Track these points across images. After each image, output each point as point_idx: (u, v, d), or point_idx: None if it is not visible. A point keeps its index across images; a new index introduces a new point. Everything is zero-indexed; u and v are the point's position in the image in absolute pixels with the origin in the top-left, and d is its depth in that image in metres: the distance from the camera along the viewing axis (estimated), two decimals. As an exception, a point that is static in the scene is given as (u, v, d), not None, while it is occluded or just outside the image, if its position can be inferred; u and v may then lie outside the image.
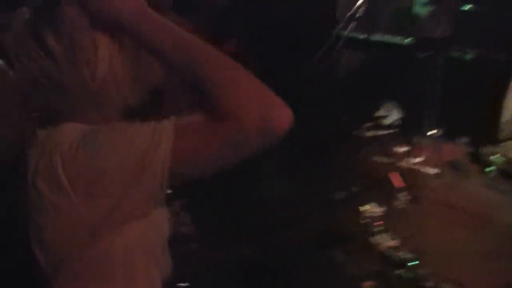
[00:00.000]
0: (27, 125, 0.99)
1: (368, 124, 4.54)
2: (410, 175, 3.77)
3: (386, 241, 2.99)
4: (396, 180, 3.74)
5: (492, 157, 3.97)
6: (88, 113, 0.96)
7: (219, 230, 1.31)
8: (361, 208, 3.35)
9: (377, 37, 4.00)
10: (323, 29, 3.57)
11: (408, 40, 3.98)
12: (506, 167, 3.90)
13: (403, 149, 4.22)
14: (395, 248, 2.94)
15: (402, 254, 2.88)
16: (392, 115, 4.54)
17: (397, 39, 4.00)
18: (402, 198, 3.56)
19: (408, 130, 4.26)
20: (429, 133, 4.16)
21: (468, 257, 2.93)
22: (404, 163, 3.99)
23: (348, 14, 3.45)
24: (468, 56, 4.33)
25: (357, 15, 3.34)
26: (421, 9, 3.92)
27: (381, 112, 4.57)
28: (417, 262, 2.81)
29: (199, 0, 4.08)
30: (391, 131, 4.48)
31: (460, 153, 4.24)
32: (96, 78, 0.92)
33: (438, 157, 4.04)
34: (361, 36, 3.61)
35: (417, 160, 4.05)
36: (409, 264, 2.81)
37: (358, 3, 3.53)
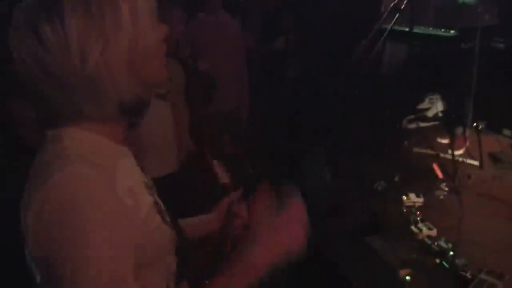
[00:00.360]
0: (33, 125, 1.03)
1: (411, 116, 4.60)
2: (451, 166, 3.78)
3: (425, 231, 3.06)
4: (438, 171, 3.80)
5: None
6: (85, 108, 0.95)
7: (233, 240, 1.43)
8: (403, 198, 3.44)
9: (420, 29, 4.01)
10: (367, 22, 3.62)
11: (452, 32, 3.97)
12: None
13: (445, 140, 4.27)
14: (434, 238, 3.00)
15: (440, 244, 2.93)
16: (435, 107, 4.58)
17: (441, 32, 4.00)
18: (443, 189, 3.62)
19: (451, 122, 4.27)
20: (472, 125, 4.16)
21: (508, 249, 2.93)
22: (446, 155, 4.03)
23: (391, 5, 3.46)
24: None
25: (402, 6, 3.34)
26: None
27: (424, 105, 4.62)
28: (452, 253, 2.85)
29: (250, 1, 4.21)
30: (434, 123, 4.53)
31: (503, 145, 4.24)
32: (87, 66, 0.90)
33: (480, 149, 4.05)
34: (405, 29, 3.63)
35: (459, 152, 4.09)
36: (448, 254, 2.86)
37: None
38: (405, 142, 4.26)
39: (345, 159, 3.89)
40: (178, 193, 2.19)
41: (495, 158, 4.11)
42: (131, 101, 0.98)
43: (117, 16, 0.92)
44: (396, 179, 3.66)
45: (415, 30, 3.60)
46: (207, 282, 1.11)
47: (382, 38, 3.31)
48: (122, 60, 0.94)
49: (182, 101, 2.71)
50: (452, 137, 4.06)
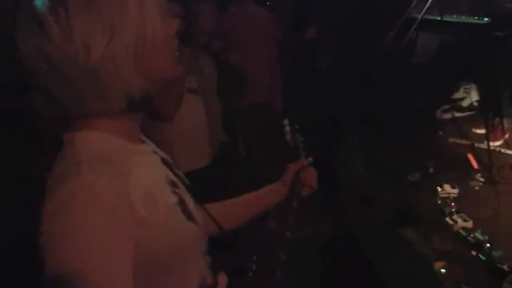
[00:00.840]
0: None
1: (446, 106, 4.52)
2: (488, 157, 3.70)
3: (460, 222, 3.01)
4: (473, 162, 3.73)
5: None
6: (91, 103, 0.93)
7: (298, 209, 1.45)
8: (437, 189, 3.39)
9: (452, 17, 3.92)
10: (397, 11, 3.56)
11: (486, 20, 3.86)
12: None
13: (481, 131, 4.18)
14: (470, 229, 2.95)
15: (476, 236, 2.88)
16: (470, 97, 4.48)
17: (473, 19, 3.90)
18: (478, 180, 3.55)
19: (487, 112, 4.18)
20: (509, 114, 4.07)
21: None
22: (482, 145, 3.95)
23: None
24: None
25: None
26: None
27: (459, 94, 4.53)
28: (489, 245, 2.80)
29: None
30: (469, 113, 4.44)
31: None
32: (91, 58, 0.88)
33: None
34: (436, 17, 3.56)
35: (497, 142, 4.00)
36: (484, 245, 2.81)
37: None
38: (440, 132, 4.19)
39: (378, 149, 3.86)
40: (211, 186, 2.21)
41: None
42: (139, 96, 0.95)
43: (124, 9, 0.90)
44: (431, 169, 3.61)
45: (447, 18, 3.52)
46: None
47: (413, 27, 3.26)
48: (128, 54, 0.91)
49: (214, 94, 2.72)
50: (488, 127, 3.97)
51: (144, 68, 0.93)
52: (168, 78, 1.00)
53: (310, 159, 1.53)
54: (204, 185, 1.28)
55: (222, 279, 1.20)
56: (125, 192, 0.90)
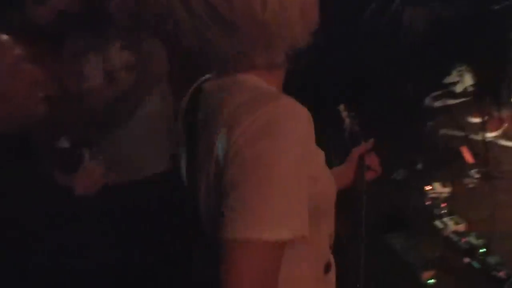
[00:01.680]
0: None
1: (437, 93, 4.50)
2: (484, 149, 3.73)
3: (452, 225, 3.00)
4: (467, 156, 3.72)
5: None
6: (257, 57, 1.05)
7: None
8: (426, 188, 3.37)
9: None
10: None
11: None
12: None
13: (476, 120, 4.17)
14: (462, 233, 2.95)
15: (470, 240, 2.88)
16: (464, 81, 4.48)
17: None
18: (474, 176, 3.55)
19: (483, 98, 4.18)
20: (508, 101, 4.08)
21: None
22: (477, 136, 3.95)
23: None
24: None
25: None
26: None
27: (451, 78, 4.52)
28: (484, 250, 2.79)
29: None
30: (463, 99, 4.43)
31: None
32: (266, 10, 0.99)
33: None
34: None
35: (494, 133, 4.02)
36: (478, 251, 2.81)
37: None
38: (430, 123, 4.17)
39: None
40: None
41: None
42: (299, 48, 1.07)
43: None
44: (419, 166, 3.59)
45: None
46: None
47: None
48: (296, 4, 1.03)
49: (166, 90, 2.60)
50: (485, 115, 3.97)
51: (306, 19, 1.06)
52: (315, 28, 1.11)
53: (372, 141, 1.72)
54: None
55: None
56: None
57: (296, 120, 0.96)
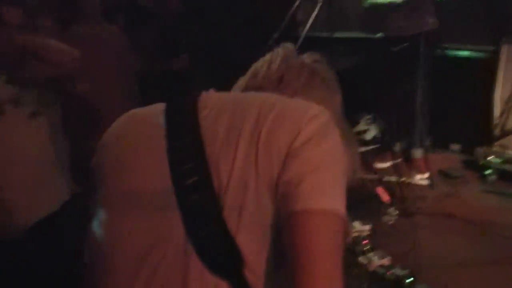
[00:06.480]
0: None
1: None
2: (399, 188, 3.78)
3: (376, 260, 2.91)
4: (384, 195, 3.71)
5: (489, 158, 3.99)
6: None
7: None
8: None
9: (343, 34, 4.00)
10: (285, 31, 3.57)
11: (379, 35, 3.96)
12: (505, 167, 3.91)
13: (389, 163, 4.21)
14: (388, 266, 2.86)
15: (395, 272, 2.79)
16: (373, 128, 4.52)
17: (366, 35, 4.00)
18: (391, 214, 3.53)
19: (393, 142, 4.25)
20: (417, 143, 4.18)
21: (469, 267, 2.91)
22: (392, 177, 3.98)
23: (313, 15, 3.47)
24: (451, 52, 4.40)
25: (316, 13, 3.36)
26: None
27: (360, 127, 4.56)
28: (412, 278, 2.72)
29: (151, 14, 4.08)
30: (373, 146, 4.47)
31: (453, 161, 4.30)
32: None
33: (429, 167, 4.10)
34: (324, 35, 3.60)
35: (424, 176, 4.09)
36: (404, 281, 2.73)
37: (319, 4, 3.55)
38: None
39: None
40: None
41: (445, 175, 4.13)
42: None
43: None
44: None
45: (336, 35, 3.57)
46: None
47: (296, 45, 3.24)
48: None
49: (60, 129, 2.45)
50: (397, 157, 4.02)
51: None
52: None
53: None
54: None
55: None
56: None
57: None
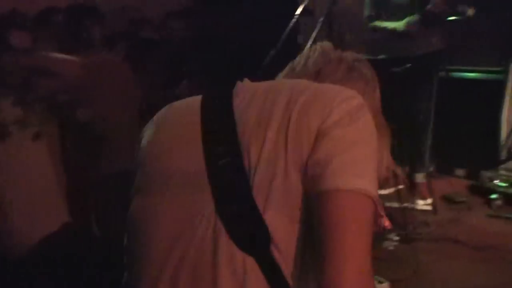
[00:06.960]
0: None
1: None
2: (402, 214, 3.68)
3: (376, 284, 2.79)
4: (385, 222, 3.61)
5: (494, 182, 3.92)
6: None
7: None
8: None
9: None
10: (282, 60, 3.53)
11: (381, 56, 3.92)
12: (511, 191, 3.82)
13: (391, 188, 4.12)
14: (388, 293, 2.75)
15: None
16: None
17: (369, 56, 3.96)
18: (392, 239, 3.47)
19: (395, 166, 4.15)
20: (420, 167, 4.10)
21: None
22: (394, 203, 3.87)
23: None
24: (457, 73, 4.35)
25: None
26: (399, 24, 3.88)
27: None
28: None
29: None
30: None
31: (455, 186, 4.22)
32: None
33: (432, 193, 4.01)
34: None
35: (427, 202, 4.03)
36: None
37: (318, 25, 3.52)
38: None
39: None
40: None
41: (449, 200, 4.05)
42: None
43: None
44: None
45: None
46: None
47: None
48: None
49: (59, 159, 2.42)
50: (400, 183, 3.93)
51: None
52: None
53: None
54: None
55: None
56: None
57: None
